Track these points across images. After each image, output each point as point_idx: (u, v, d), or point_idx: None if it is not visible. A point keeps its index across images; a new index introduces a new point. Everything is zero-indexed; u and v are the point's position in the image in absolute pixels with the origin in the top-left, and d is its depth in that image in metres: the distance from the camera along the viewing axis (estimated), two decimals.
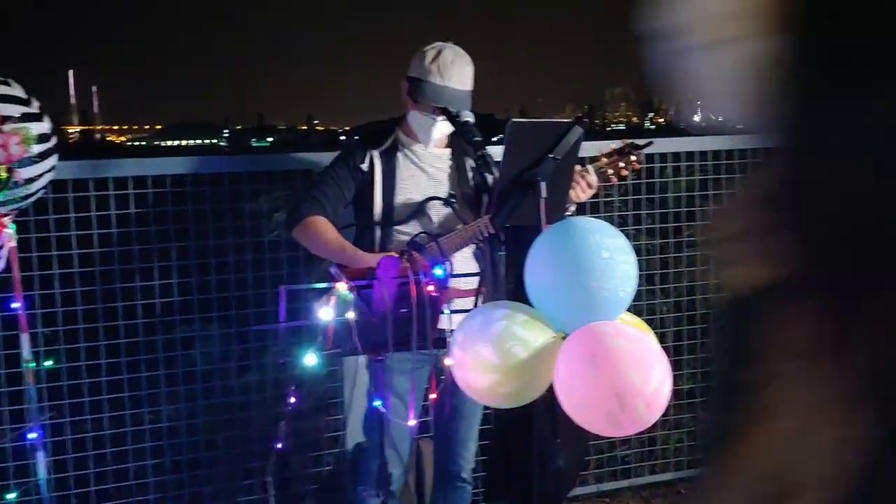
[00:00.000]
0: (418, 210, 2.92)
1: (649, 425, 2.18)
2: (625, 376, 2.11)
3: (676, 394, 4.26)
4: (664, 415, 4.20)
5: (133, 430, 3.51)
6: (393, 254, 2.72)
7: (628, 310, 3.95)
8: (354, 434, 3.35)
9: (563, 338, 2.31)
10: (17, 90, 2.71)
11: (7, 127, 2.65)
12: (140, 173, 3.45)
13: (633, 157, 3.02)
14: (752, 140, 3.57)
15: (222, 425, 3.61)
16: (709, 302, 4.28)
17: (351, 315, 2.31)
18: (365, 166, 2.94)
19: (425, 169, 2.98)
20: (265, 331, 3.47)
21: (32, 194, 2.81)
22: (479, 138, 2.78)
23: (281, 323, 2.31)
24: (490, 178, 2.75)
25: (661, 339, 4.20)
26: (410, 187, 2.95)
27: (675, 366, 4.24)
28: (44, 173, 2.79)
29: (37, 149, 2.74)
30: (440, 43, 2.93)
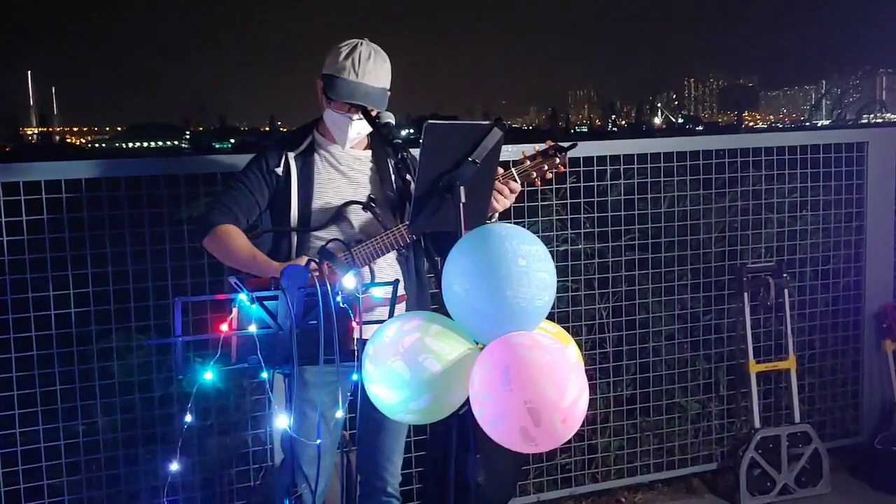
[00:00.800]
0: (337, 215, 2.79)
1: (565, 441, 2.08)
2: (539, 390, 2.00)
3: (616, 400, 4.19)
4: (604, 422, 4.16)
5: (47, 445, 3.34)
6: (299, 261, 2.59)
7: (556, 317, 3.87)
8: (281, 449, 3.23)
9: (482, 349, 2.21)
10: None
11: None
12: (54, 177, 3.29)
13: (558, 160, 2.93)
14: (690, 143, 3.48)
15: (142, 439, 3.46)
16: (649, 307, 4.22)
17: (253, 328, 2.18)
18: (280, 170, 2.82)
19: (344, 171, 2.86)
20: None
21: None
22: (398, 140, 2.67)
23: (176, 337, 2.17)
24: (412, 182, 2.64)
25: (601, 344, 4.14)
26: (328, 191, 2.83)
27: (615, 371, 4.17)
28: None
29: None
30: (355, 39, 2.81)
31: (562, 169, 2.93)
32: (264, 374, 2.21)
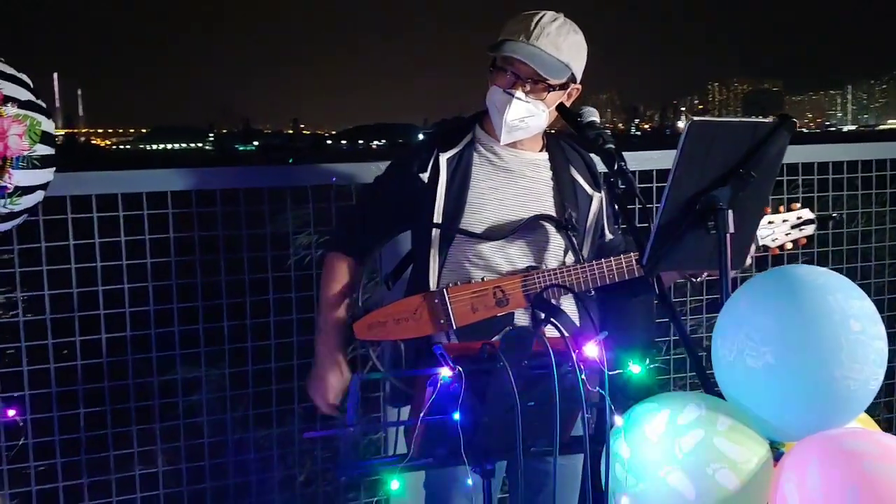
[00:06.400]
0: (519, 230, 2.12)
1: None
2: None
3: None
4: None
5: (119, 500, 2.68)
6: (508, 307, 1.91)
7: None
8: None
9: (773, 449, 1.53)
10: (23, 76, 2.04)
11: (9, 111, 1.93)
12: (131, 189, 2.63)
13: (805, 231, 2.26)
14: (867, 150, 2.48)
15: (234, 491, 2.78)
16: None
17: (457, 415, 1.52)
18: (426, 175, 2.15)
19: (513, 177, 2.18)
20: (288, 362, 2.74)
21: (18, 214, 2.07)
22: (612, 145, 1.98)
23: (349, 426, 1.51)
24: (636, 199, 1.96)
25: None
26: (490, 201, 2.15)
27: None
28: (38, 187, 2.07)
29: (40, 150, 2.02)
30: (548, 11, 2.15)
31: (804, 242, 2.26)
32: (470, 481, 1.55)
